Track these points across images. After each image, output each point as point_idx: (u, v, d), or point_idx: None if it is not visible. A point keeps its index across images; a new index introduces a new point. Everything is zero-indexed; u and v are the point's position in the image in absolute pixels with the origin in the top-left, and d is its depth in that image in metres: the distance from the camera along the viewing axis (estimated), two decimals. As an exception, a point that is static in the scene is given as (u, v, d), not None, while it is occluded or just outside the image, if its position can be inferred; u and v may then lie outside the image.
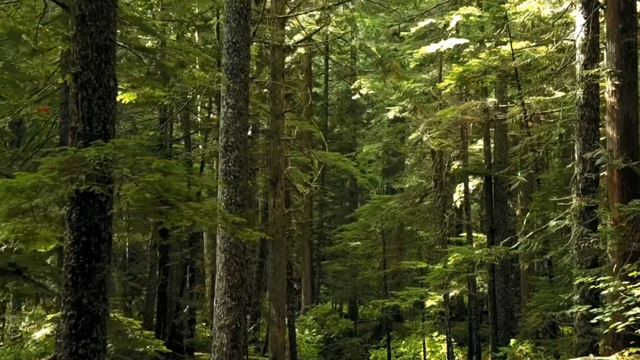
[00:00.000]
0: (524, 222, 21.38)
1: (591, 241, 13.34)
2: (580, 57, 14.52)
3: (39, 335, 19.60)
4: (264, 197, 31.58)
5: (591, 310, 10.90)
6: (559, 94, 18.87)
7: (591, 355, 9.37)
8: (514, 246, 14.83)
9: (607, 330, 10.84)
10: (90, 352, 7.27)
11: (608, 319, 10.24)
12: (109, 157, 6.58)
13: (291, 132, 26.31)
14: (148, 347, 10.38)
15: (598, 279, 10.07)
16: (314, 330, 36.91)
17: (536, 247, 14.31)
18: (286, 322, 25.14)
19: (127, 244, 32.82)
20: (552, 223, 14.20)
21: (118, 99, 11.50)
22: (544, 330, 18.95)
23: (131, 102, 21.13)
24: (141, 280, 31.78)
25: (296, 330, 35.87)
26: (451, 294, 21.78)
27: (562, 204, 15.85)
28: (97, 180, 6.90)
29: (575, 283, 12.51)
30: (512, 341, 30.01)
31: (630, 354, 9.20)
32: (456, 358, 33.68)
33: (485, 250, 14.69)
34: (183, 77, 11.28)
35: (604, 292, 9.91)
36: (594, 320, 10.60)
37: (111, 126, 7.40)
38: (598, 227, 14.04)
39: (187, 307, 27.49)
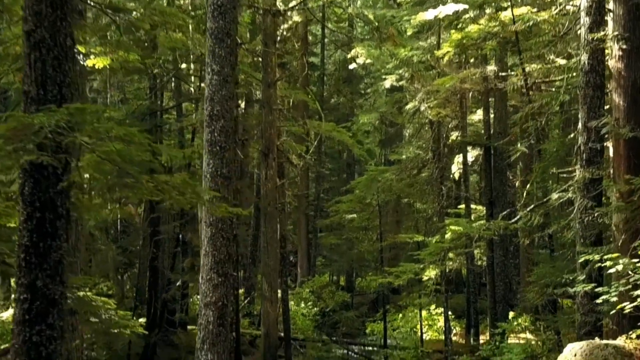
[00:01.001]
0: (524, 194, 20.69)
1: (595, 215, 12.63)
2: (585, 20, 13.69)
3: (5, 315, 18.97)
4: (258, 169, 30.85)
5: (596, 290, 10.25)
6: (561, 62, 18.11)
7: (597, 338, 8.71)
8: (513, 220, 14.13)
9: (613, 312, 10.20)
10: (46, 339, 6.58)
11: (614, 299, 9.59)
12: (61, 123, 5.84)
13: (285, 102, 25.52)
14: (123, 329, 9.74)
15: (604, 257, 9.41)
16: (310, 303, 36.36)
17: (537, 221, 13.61)
18: (279, 297, 24.55)
19: (119, 216, 32.13)
20: (554, 196, 13.47)
21: (90, 64, 10.75)
22: (543, 305, 18.33)
23: (121, 72, 20.43)
24: (133, 253, 31.10)
25: (292, 303, 35.34)
26: (449, 267, 21.15)
27: (564, 175, 15.14)
28: (52, 150, 6.18)
29: (579, 261, 11.84)
30: (511, 314, 29.51)
31: (638, 337, 8.54)
32: (454, 331, 33.21)
33: (483, 224, 13.98)
34: (159, 39, 10.48)
35: (611, 271, 9.24)
36: (599, 300, 9.95)
37: (68, 90, 6.66)
38: (603, 201, 13.34)
39: (180, 280, 26.87)
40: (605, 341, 8.16)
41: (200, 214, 14.18)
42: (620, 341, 8.26)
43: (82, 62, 10.74)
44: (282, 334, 25.70)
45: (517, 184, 28.54)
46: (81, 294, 9.03)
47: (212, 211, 7.51)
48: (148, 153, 6.25)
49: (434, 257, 14.17)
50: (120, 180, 6.54)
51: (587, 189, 13.26)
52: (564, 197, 13.43)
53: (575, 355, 8.20)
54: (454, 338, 31.34)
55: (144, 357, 25.72)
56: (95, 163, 6.32)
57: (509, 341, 22.91)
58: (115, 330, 9.79)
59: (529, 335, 30.53)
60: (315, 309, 35.78)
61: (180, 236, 27.00)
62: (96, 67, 10.76)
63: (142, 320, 28.37)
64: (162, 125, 27.83)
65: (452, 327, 32.71)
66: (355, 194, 28.18)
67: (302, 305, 36.20)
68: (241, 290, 36.29)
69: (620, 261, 8.99)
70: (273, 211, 21.66)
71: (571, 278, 12.07)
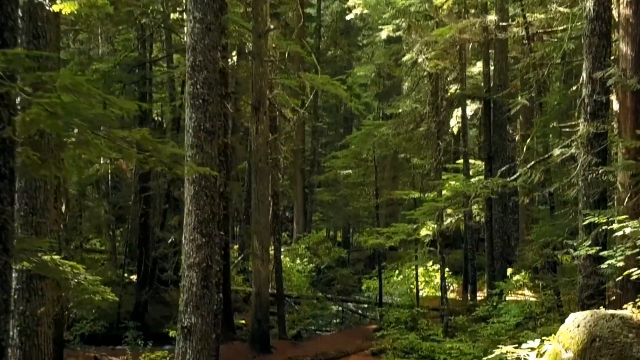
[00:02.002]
0: (524, 149, 19.96)
1: (599, 172, 11.90)
2: (590, -37, 12.80)
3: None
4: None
5: (601, 253, 9.58)
6: (564, 10, 17.23)
7: (602, 308, 8.05)
8: (512, 178, 13.39)
9: (619, 278, 9.54)
10: (-11, 315, 5.88)
11: (620, 264, 8.92)
12: (-6, 70, 5.07)
13: (278, 54, 24.60)
14: (93, 295, 9.11)
15: (610, 219, 8.73)
16: (305, 259, 35.85)
17: (537, 179, 12.87)
18: (272, 255, 23.98)
19: (110, 171, 31.44)
20: (556, 152, 12.70)
21: (57, 9, 9.91)
22: (542, 266, 17.73)
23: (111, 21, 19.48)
24: (124, 209, 30.39)
25: (287, 259, 34.85)
26: (446, 223, 20.49)
27: (567, 130, 14.38)
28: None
29: (583, 223, 11.14)
30: (509, 271, 28.98)
31: (645, 304, 7.89)
32: (451, 288, 32.76)
33: (481, 181, 13.23)
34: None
35: (618, 234, 8.56)
36: (604, 266, 9.28)
37: (11, 34, 5.85)
38: (607, 157, 12.62)
39: (172, 238, 26.23)
40: (610, 311, 7.49)
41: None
42: (627, 311, 7.59)
43: (47, 8, 9.88)
44: (275, 291, 25.21)
45: (517, 139, 27.83)
46: (46, 258, 8.30)
47: (179, 171, 6.78)
48: (99, 105, 5.48)
49: (428, 217, 13.47)
50: (72, 137, 5.79)
51: (591, 144, 12.51)
52: (567, 153, 12.68)
53: (578, 326, 7.55)
54: (451, 295, 30.91)
55: (134, 314, 25.20)
56: (44, 117, 5.54)
57: (507, 298, 22.43)
58: (86, 296, 9.11)
59: (527, 292, 30.10)
60: (310, 265, 35.29)
61: (170, 192, 26.30)
62: (63, 12, 9.89)
63: (133, 277, 27.95)
64: (151, 78, 26.92)
65: (450, 284, 32.27)
66: (351, 149, 27.42)
67: (298, 261, 35.70)
68: (235, 246, 35.84)
69: (629, 224, 8.30)
70: (264, 167, 20.91)
71: (574, 243, 11.35)
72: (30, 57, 5.52)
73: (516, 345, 8.64)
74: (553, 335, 8.35)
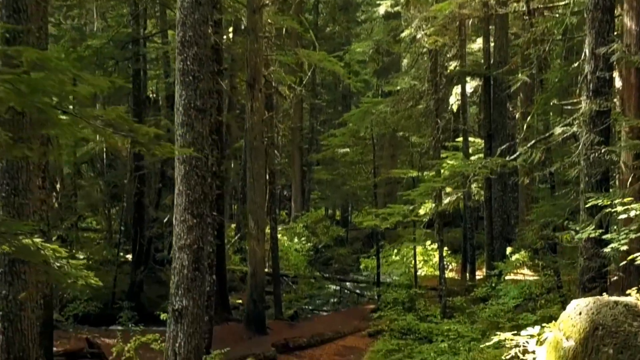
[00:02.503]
0: (524, 127, 19.55)
1: (602, 152, 11.51)
2: None
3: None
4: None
5: (604, 237, 9.22)
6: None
7: (605, 295, 7.70)
8: (512, 157, 12.99)
9: (623, 263, 9.18)
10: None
11: (624, 247, 8.55)
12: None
13: (273, 29, 24.10)
14: (77, 280, 8.76)
15: (615, 201, 8.35)
16: (303, 238, 35.60)
17: (538, 158, 12.48)
18: (268, 234, 23.67)
19: (104, 149, 31.06)
20: (557, 130, 12.28)
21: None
22: (542, 246, 17.38)
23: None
24: (120, 187, 30.02)
25: (285, 238, 34.59)
26: (445, 202, 20.08)
27: (568, 108, 13.95)
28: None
29: (586, 206, 10.76)
30: (509, 250, 28.65)
31: (651, 290, 7.56)
32: (450, 267, 32.46)
33: (480, 160, 12.83)
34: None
35: (622, 217, 8.19)
36: (607, 249, 8.92)
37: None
38: (610, 136, 12.22)
39: (167, 218, 25.89)
40: (614, 298, 7.14)
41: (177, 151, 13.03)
42: (631, 298, 7.24)
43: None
44: (272, 271, 24.93)
45: (517, 116, 27.41)
46: (27, 241, 7.94)
47: (157, 152, 6.41)
48: (69, 82, 5.09)
49: (425, 197, 13.09)
50: (37, 115, 5.41)
51: (594, 122, 12.10)
52: (568, 132, 12.27)
53: (580, 313, 7.20)
54: (450, 274, 30.62)
55: (130, 294, 24.95)
56: (13, 95, 5.16)
57: (507, 277, 22.14)
58: (69, 281, 8.77)
59: (526, 271, 29.81)
60: (308, 244, 35.04)
61: (164, 171, 25.94)
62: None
63: (129, 256, 27.66)
64: (145, 54, 26.44)
65: (448, 263, 31.99)
66: (348, 127, 27.01)
67: (296, 240, 35.46)
68: (233, 225, 35.55)
69: (634, 206, 7.92)
70: (259, 145, 20.53)
71: (576, 228, 10.95)
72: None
73: (515, 332, 8.30)
74: (553, 321, 8.01)
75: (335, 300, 29.00)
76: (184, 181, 12.71)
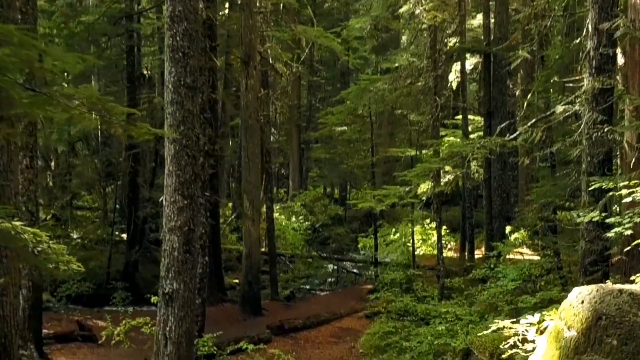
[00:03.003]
0: (525, 105, 19.13)
1: (605, 131, 11.11)
2: None
3: None
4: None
5: (607, 220, 8.86)
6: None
7: (608, 282, 7.35)
8: (512, 136, 12.59)
9: (628, 248, 8.81)
10: None
11: (628, 232, 8.19)
12: None
13: (269, 5, 23.59)
14: (57, 265, 8.41)
15: (620, 184, 7.98)
16: (301, 217, 35.28)
17: (538, 137, 12.08)
18: (263, 214, 23.32)
19: (99, 126, 30.60)
20: (559, 108, 11.87)
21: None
22: (542, 227, 17.02)
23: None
24: (115, 166, 29.60)
25: (282, 217, 34.27)
26: (443, 181, 19.70)
27: (570, 85, 13.54)
28: None
29: (589, 188, 10.37)
30: (508, 228, 28.31)
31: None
32: (448, 246, 32.19)
33: (478, 141, 12.43)
34: None
35: (627, 200, 7.82)
36: (610, 234, 8.56)
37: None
38: (614, 114, 11.82)
39: (162, 197, 25.47)
40: (618, 286, 6.79)
41: (166, 129, 12.64)
42: (637, 286, 6.89)
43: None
44: (267, 250, 24.62)
45: (517, 94, 27.00)
46: (6, 225, 7.59)
47: (134, 133, 6.04)
48: (34, 58, 4.70)
49: (421, 179, 12.70)
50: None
51: (596, 100, 11.67)
52: (570, 110, 11.85)
53: (582, 302, 6.85)
54: (449, 253, 30.35)
55: (124, 274, 24.68)
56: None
57: (506, 256, 21.84)
58: (50, 266, 8.42)
59: (526, 251, 29.51)
60: (306, 223, 34.73)
61: (158, 150, 25.54)
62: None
63: (124, 235, 27.34)
64: (139, 30, 25.95)
65: (447, 242, 31.72)
66: (346, 105, 26.56)
67: (293, 219, 35.14)
68: (230, 204, 35.22)
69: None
70: (254, 124, 20.12)
71: (579, 213, 10.55)
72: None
73: (514, 319, 7.96)
74: (554, 309, 7.68)
75: (333, 280, 28.73)
76: (174, 161, 12.35)
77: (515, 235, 31.46)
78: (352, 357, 16.63)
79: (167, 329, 12.23)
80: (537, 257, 24.70)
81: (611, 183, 8.41)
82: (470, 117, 29.66)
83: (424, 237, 31.54)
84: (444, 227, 30.81)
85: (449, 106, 31.25)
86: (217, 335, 14.28)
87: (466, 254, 27.09)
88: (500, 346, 8.22)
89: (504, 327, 7.99)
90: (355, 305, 21.71)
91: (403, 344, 15.60)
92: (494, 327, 8.01)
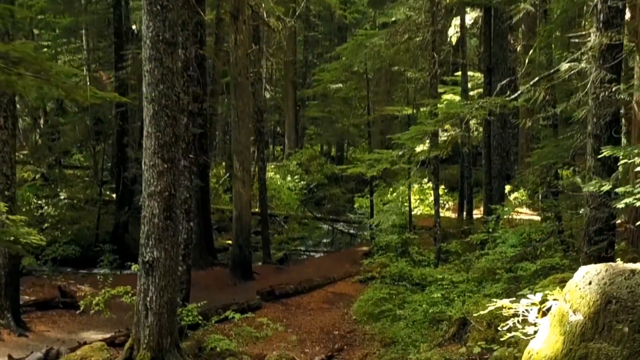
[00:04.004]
0: (526, 61, 18.25)
1: (613, 90, 10.33)
2: None
3: None
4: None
5: (617, 189, 8.14)
6: None
7: (619, 260, 6.65)
8: (513, 96, 11.79)
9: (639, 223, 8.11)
10: None
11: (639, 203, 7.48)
12: None
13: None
14: (16, 238, 7.73)
15: (633, 152, 7.24)
16: (296, 177, 34.60)
17: (541, 97, 11.29)
18: (255, 175, 22.62)
19: (89, 82, 29.76)
20: (564, 66, 11.06)
21: None
22: (544, 190, 16.31)
23: None
24: (105, 124, 28.78)
25: (277, 176, 33.60)
26: (441, 139, 18.89)
27: (575, 41, 12.70)
28: None
29: (597, 155, 9.61)
30: (507, 188, 27.67)
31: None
32: (447, 206, 31.58)
33: (476, 102, 11.63)
34: None
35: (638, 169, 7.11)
36: (620, 204, 7.83)
37: None
38: (622, 72, 11.02)
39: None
40: (630, 266, 6.11)
41: (144, 88, 11.85)
42: (646, 264, 6.18)
43: None
44: (259, 210, 23.95)
45: (518, 50, 26.11)
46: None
47: (78, 96, 5.29)
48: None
49: (416, 142, 11.94)
50: None
51: (604, 57, 10.85)
52: (576, 68, 11.04)
53: (590, 283, 6.18)
54: (447, 213, 29.74)
55: (114, 235, 24.10)
56: None
57: (505, 216, 21.20)
58: (7, 239, 7.73)
59: (525, 211, 28.90)
60: (302, 182, 34.07)
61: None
62: None
63: (114, 196, 26.65)
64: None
65: (445, 202, 31.11)
66: (341, 61, 25.61)
67: (289, 178, 34.49)
68: (223, 163, 34.54)
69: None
70: (244, 81, 19.30)
71: (586, 187, 9.78)
72: None
73: (513, 299, 7.28)
74: (558, 288, 7.01)
75: (328, 241, 28.13)
76: (153, 122, 11.59)
77: (515, 194, 30.81)
78: (345, 323, 16.06)
79: (148, 299, 11.59)
80: (537, 217, 24.11)
81: (623, 152, 7.66)
82: (470, 73, 28.81)
83: (422, 197, 30.92)
84: (442, 186, 30.14)
85: (449, 62, 30.35)
86: (202, 305, 13.66)
87: (464, 214, 26.50)
88: (499, 328, 7.56)
89: (503, 306, 7.32)
90: (350, 269, 21.14)
91: (397, 312, 15.02)
92: (491, 306, 7.33)
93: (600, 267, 6.28)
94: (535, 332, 6.80)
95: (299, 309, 17.35)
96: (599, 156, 9.08)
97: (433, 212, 22.21)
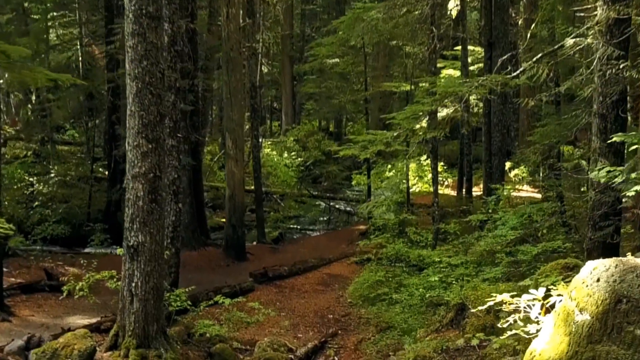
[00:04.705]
0: (528, 35, 17.66)
1: (620, 67, 9.76)
2: None
3: None
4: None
5: (631, 175, 7.62)
6: None
7: (629, 255, 6.13)
8: (515, 74, 11.21)
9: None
10: None
11: (649, 191, 6.97)
12: None
13: None
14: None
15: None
16: (293, 153, 34.07)
17: (545, 75, 10.73)
18: (249, 153, 22.07)
19: (81, 57, 29.17)
20: (569, 41, 10.48)
21: None
22: (545, 170, 15.79)
23: None
24: (98, 99, 28.13)
25: (274, 153, 33.10)
26: (441, 115, 18.32)
27: (581, 14, 12.11)
28: None
29: (607, 140, 9.09)
30: (508, 165, 27.12)
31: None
32: (446, 183, 31.11)
33: (475, 80, 11.05)
34: None
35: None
36: (631, 192, 7.30)
37: None
38: (630, 48, 10.44)
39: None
40: (643, 261, 5.57)
41: (127, 65, 11.29)
42: (666, 262, 5.67)
43: None
44: (254, 188, 23.43)
45: (520, 23, 25.48)
46: None
47: (27, 79, 4.77)
48: None
49: (411, 122, 11.37)
50: None
51: (611, 32, 10.26)
52: (581, 44, 10.46)
53: (598, 280, 5.68)
54: (445, 190, 29.26)
55: (106, 213, 23.60)
56: None
57: (505, 193, 20.68)
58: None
59: (526, 188, 28.42)
60: (299, 159, 33.54)
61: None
62: None
63: (107, 173, 26.12)
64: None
65: (444, 179, 30.63)
66: (338, 35, 24.93)
67: (285, 155, 33.95)
68: (219, 139, 33.99)
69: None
70: (237, 56, 18.69)
71: (590, 156, 9.30)
72: None
73: (514, 293, 6.78)
74: (563, 283, 6.51)
75: (325, 219, 27.64)
76: (137, 100, 11.05)
77: (516, 171, 30.30)
78: (340, 307, 15.61)
79: (133, 284, 11.12)
80: (537, 195, 23.62)
81: (633, 138, 7.13)
82: (470, 48, 28.16)
83: (420, 174, 30.41)
84: (441, 163, 29.61)
85: (448, 36, 29.70)
86: (191, 290, 13.19)
87: (463, 192, 26.01)
88: (499, 324, 7.08)
89: (502, 302, 6.83)
90: (346, 249, 20.68)
91: (393, 295, 14.57)
92: (490, 302, 6.84)
93: (610, 262, 5.77)
94: (538, 330, 6.32)
95: (293, 291, 16.88)
96: (609, 141, 8.54)
97: (432, 189, 21.72)
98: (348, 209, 28.50)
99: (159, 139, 11.18)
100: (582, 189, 15.08)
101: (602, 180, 8.21)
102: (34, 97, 30.45)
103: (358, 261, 18.82)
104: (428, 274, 14.79)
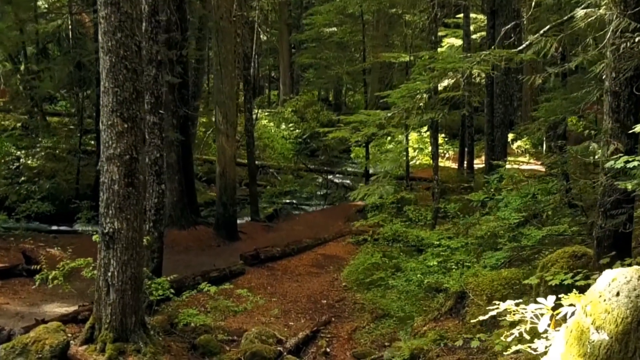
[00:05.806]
0: (532, 4, 16.67)
1: (636, 40, 8.89)
2: None
3: None
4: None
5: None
6: None
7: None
8: (520, 48, 10.33)
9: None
10: None
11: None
12: None
13: None
14: None
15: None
16: (291, 125, 33.19)
17: (553, 50, 9.87)
18: (242, 126, 21.22)
19: (70, 24, 28.16)
20: (580, 12, 9.60)
21: None
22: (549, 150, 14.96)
23: None
24: (89, 69, 27.17)
25: (271, 124, 32.27)
26: (444, 84, 17.39)
27: (592, -18, 11.19)
28: None
29: (615, 115, 8.25)
30: (510, 136, 26.28)
31: None
32: (447, 155, 30.36)
33: (477, 55, 10.17)
34: None
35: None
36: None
37: None
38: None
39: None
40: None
41: (99, 37, 10.43)
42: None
43: None
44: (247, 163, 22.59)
45: (524, -11, 24.47)
46: None
47: None
48: None
49: (406, 101, 10.51)
50: None
51: (626, 2, 9.37)
52: (594, 15, 9.58)
53: (617, 294, 4.90)
54: (447, 163, 28.51)
55: (95, 189, 22.76)
56: None
57: (508, 166, 19.91)
58: None
59: (529, 160, 27.61)
60: (297, 131, 32.67)
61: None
62: None
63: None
64: None
65: (445, 151, 29.85)
66: (335, 3, 23.96)
67: (283, 126, 33.09)
68: (213, 111, 33.10)
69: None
70: (227, 26, 17.74)
71: (602, 138, 8.47)
72: None
73: (519, 301, 5.99)
74: (575, 291, 5.73)
75: (322, 194, 26.84)
76: (110, 76, 10.28)
77: (519, 142, 29.48)
78: (334, 291, 14.87)
79: (109, 274, 10.41)
80: (541, 168, 22.79)
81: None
82: (472, 15, 27.20)
83: (421, 146, 29.58)
84: (442, 134, 28.77)
85: (450, 4, 28.63)
86: (174, 278, 12.49)
87: (465, 165, 25.25)
88: (502, 338, 6.32)
89: (507, 310, 6.04)
90: (343, 227, 19.91)
91: (390, 281, 13.82)
92: (494, 311, 6.04)
93: (632, 273, 4.97)
94: (547, 347, 5.55)
95: (286, 274, 16.09)
96: (630, 131, 7.70)
97: (432, 162, 20.91)
98: (347, 182, 27.69)
99: (135, 117, 10.38)
100: (588, 165, 14.23)
101: (617, 165, 7.39)
102: (22, 67, 29.53)
103: (354, 242, 18.05)
104: (426, 258, 14.02)
